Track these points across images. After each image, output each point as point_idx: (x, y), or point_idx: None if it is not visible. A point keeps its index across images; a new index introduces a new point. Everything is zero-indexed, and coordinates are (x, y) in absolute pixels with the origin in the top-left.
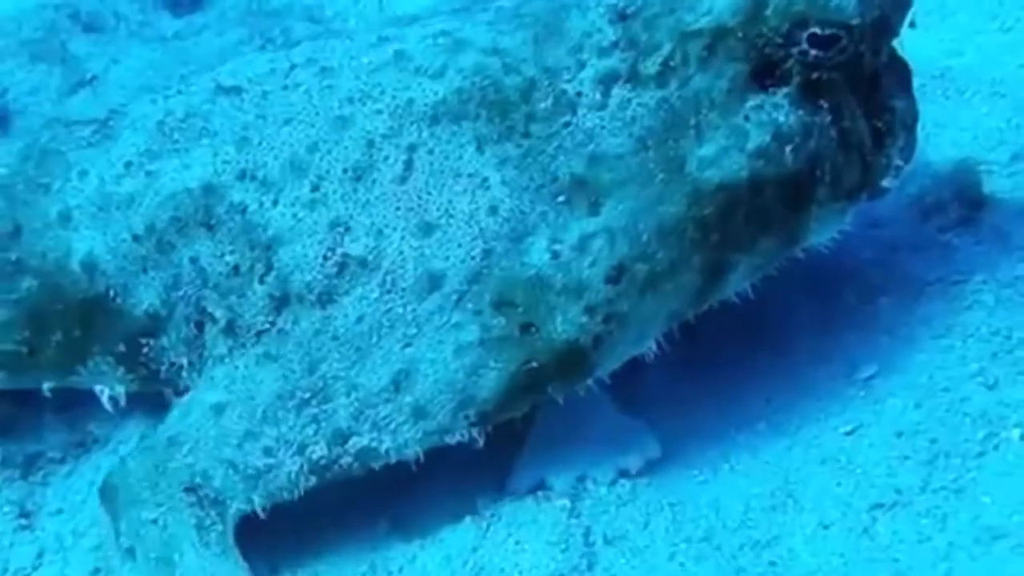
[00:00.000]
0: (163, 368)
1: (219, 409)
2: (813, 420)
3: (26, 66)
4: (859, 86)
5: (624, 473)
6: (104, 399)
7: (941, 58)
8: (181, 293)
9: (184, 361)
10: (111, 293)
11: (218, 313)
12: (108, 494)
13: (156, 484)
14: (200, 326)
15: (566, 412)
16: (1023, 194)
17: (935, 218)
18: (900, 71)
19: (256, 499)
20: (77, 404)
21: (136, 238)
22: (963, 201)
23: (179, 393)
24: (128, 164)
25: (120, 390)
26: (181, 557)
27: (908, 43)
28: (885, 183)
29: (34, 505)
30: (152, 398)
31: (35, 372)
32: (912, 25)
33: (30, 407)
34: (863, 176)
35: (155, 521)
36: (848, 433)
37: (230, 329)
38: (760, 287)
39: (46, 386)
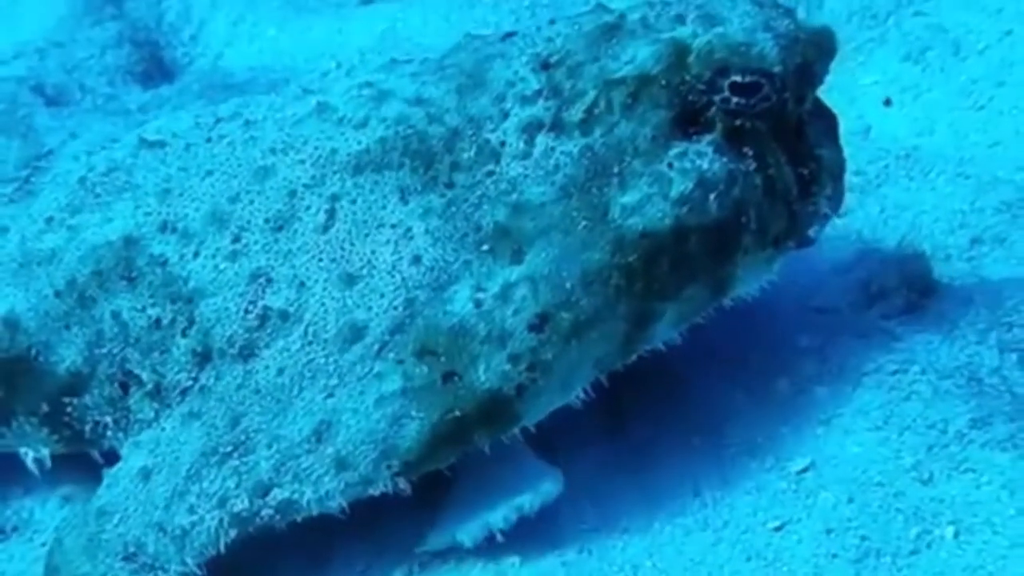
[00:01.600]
0: (87, 428)
1: (146, 474)
2: (742, 514)
3: None
4: (784, 134)
5: (520, 511)
6: (29, 461)
7: (911, 136)
8: (104, 350)
9: (108, 420)
10: (33, 351)
11: (143, 375)
12: (50, 572)
13: (95, 556)
14: (125, 387)
15: (481, 462)
16: (976, 280)
17: (879, 305)
18: (827, 120)
19: (189, 560)
20: None
21: (58, 294)
22: (911, 287)
23: (103, 453)
24: (49, 219)
25: (45, 452)
26: None
27: (880, 121)
28: (811, 232)
29: None
30: (76, 473)
31: None
32: (888, 103)
33: None
34: (790, 224)
35: None
36: (776, 529)
37: (156, 391)
38: (692, 375)
39: None
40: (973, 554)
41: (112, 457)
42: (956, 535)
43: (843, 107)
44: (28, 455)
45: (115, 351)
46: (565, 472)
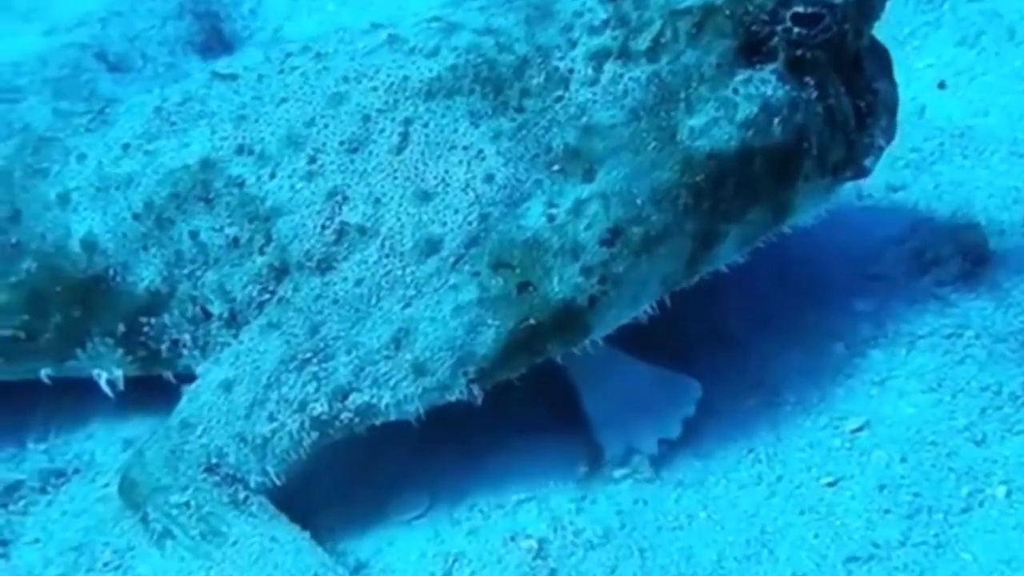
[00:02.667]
0: (163, 347)
1: (227, 385)
2: (795, 470)
3: (48, 103)
4: (843, 66)
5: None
6: (102, 383)
7: (965, 118)
8: (184, 270)
9: (187, 338)
10: (111, 272)
11: (217, 299)
12: (127, 486)
13: (176, 468)
14: (206, 310)
15: (605, 378)
16: None
17: (934, 272)
18: (881, 56)
19: (270, 469)
20: (57, 433)
21: (136, 216)
22: (966, 256)
23: (177, 374)
24: (126, 146)
25: (118, 373)
26: (230, 527)
27: (935, 102)
28: (867, 163)
29: (12, 534)
30: (138, 417)
31: (33, 358)
32: (942, 86)
33: (9, 436)
34: (848, 154)
35: (187, 504)
36: (830, 484)
37: (232, 317)
38: (750, 337)
39: (44, 373)
40: None
41: (186, 380)
42: (1008, 495)
43: (899, 89)
44: (102, 377)
45: (195, 271)
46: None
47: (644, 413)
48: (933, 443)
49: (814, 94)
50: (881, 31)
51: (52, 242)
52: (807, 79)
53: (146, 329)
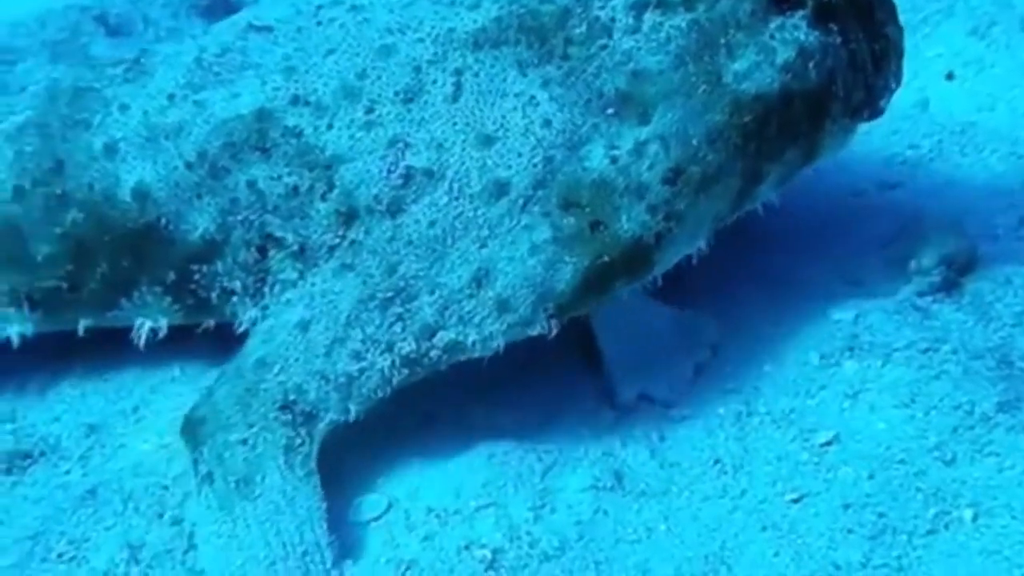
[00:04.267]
0: (213, 295)
1: (303, 325)
2: (761, 484)
3: (45, 66)
4: (859, 13)
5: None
6: (143, 333)
7: (970, 112)
8: (240, 217)
9: (238, 285)
10: (163, 221)
11: (287, 236)
12: (192, 425)
13: (248, 406)
14: (262, 250)
15: (627, 321)
16: (1019, 260)
17: (916, 281)
18: (888, 3)
19: (352, 406)
20: (25, 414)
21: (188, 165)
22: (950, 265)
23: (223, 320)
24: (171, 96)
25: (163, 322)
26: (263, 479)
27: (940, 95)
28: (882, 104)
29: None
30: (102, 404)
31: (74, 309)
32: (950, 77)
33: None
34: (866, 96)
35: (244, 441)
36: (795, 500)
37: (300, 252)
38: (723, 342)
39: (82, 325)
40: (991, 538)
41: (221, 329)
42: (975, 518)
43: (906, 79)
44: (144, 325)
45: (252, 217)
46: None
47: (659, 357)
48: (902, 461)
49: (838, 39)
50: None
51: (100, 192)
52: (831, 25)
53: (197, 277)
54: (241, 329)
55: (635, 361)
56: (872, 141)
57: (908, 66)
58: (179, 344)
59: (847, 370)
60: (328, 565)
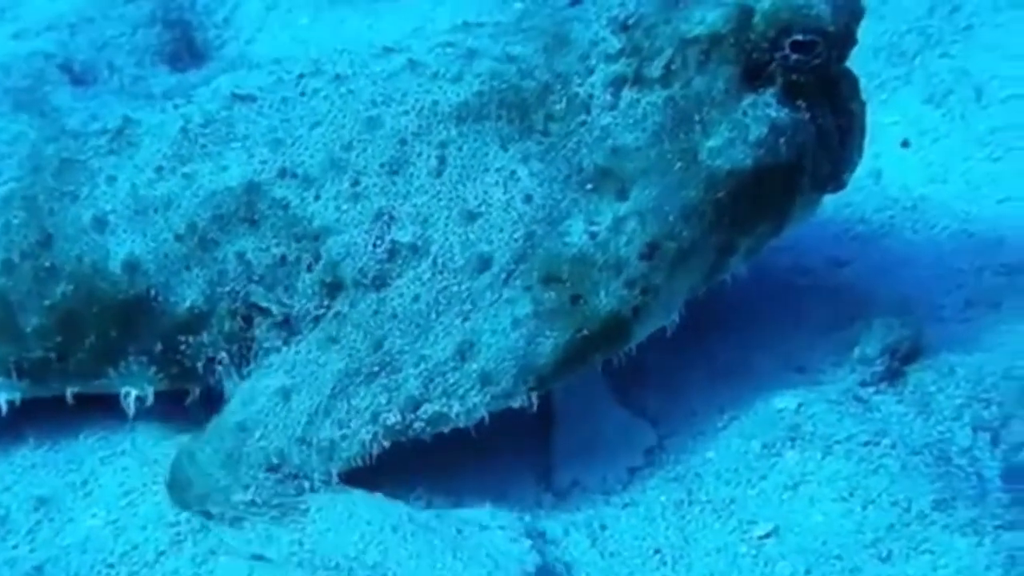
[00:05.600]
0: (199, 364)
1: (285, 393)
2: None
3: (8, 115)
4: (827, 89)
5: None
6: (129, 401)
7: (923, 183)
8: (227, 288)
9: (223, 355)
10: (152, 292)
11: (272, 307)
12: (181, 485)
13: (236, 469)
14: (248, 320)
15: (581, 413)
16: (964, 347)
17: (860, 370)
18: (852, 80)
19: (333, 470)
20: None
21: (178, 237)
22: (894, 355)
23: (205, 388)
24: (159, 168)
25: (149, 390)
26: (307, 503)
27: (896, 164)
28: (846, 177)
29: None
30: (53, 477)
31: (62, 378)
32: (905, 145)
33: None
34: (832, 169)
35: (252, 501)
36: None
37: (285, 321)
38: (667, 431)
39: (70, 392)
40: None
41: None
42: None
43: None
44: (131, 395)
45: (238, 288)
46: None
47: (600, 452)
48: (839, 557)
49: (807, 115)
50: None
51: (90, 264)
52: (799, 102)
53: (183, 347)
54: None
55: (578, 449)
56: (824, 214)
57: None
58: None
59: (788, 460)
60: (440, 519)
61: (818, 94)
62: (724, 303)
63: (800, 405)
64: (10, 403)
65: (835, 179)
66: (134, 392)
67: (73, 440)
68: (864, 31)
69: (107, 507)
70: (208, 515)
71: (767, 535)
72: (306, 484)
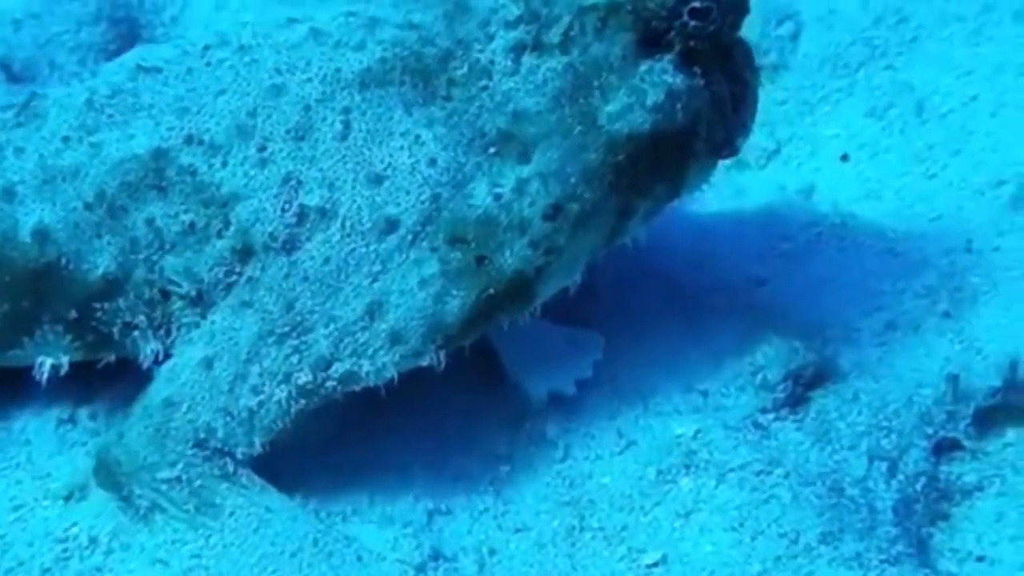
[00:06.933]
0: (115, 330)
1: (207, 363)
2: None
3: None
4: (721, 58)
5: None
6: (44, 370)
7: (857, 199)
8: (140, 256)
9: (142, 319)
10: (63, 260)
11: (184, 284)
12: (106, 467)
13: (163, 446)
14: (165, 294)
15: (524, 341)
16: (874, 372)
17: (761, 395)
18: (746, 50)
19: (256, 440)
20: None
21: (87, 206)
22: (797, 380)
23: (123, 355)
24: (66, 139)
25: (64, 360)
26: (224, 499)
27: (832, 178)
28: (739, 143)
29: None
30: None
31: None
32: (845, 159)
33: None
34: (726, 135)
35: (178, 479)
36: None
37: (198, 297)
38: (567, 451)
39: None
40: None
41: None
42: None
43: (803, 158)
44: (45, 364)
45: (152, 256)
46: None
47: (557, 361)
48: None
49: (702, 82)
50: (794, 93)
51: (0, 234)
52: (695, 68)
53: (99, 314)
54: (146, 365)
55: (537, 368)
56: (750, 231)
57: (806, 145)
58: (27, 430)
59: (682, 487)
60: (348, 540)
61: (712, 62)
62: (634, 322)
63: (698, 431)
64: None
65: (729, 145)
66: (49, 361)
67: None
68: (809, 40)
69: None
70: (129, 501)
71: (655, 564)
72: (231, 462)
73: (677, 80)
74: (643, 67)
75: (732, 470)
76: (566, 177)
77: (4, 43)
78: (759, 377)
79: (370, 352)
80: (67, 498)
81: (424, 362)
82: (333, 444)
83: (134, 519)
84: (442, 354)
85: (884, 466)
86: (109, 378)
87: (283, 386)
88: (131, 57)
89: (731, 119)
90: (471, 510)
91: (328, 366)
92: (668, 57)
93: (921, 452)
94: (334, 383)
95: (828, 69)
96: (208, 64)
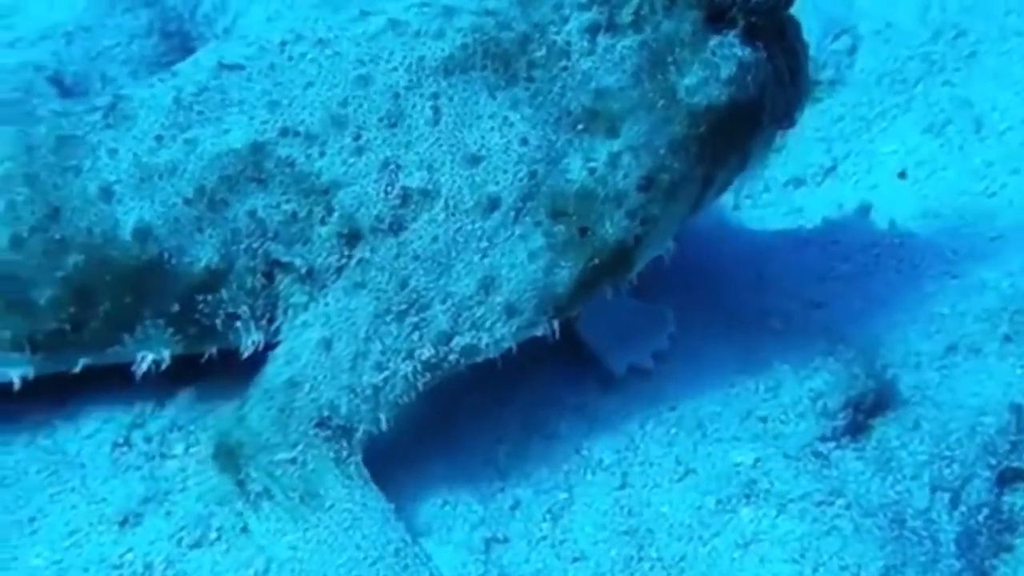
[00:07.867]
0: (218, 322)
1: (326, 343)
2: None
3: None
4: (777, 33)
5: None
6: (143, 366)
7: (913, 219)
8: (243, 246)
9: (244, 309)
10: (165, 256)
11: (295, 260)
12: (227, 450)
13: (286, 426)
14: (269, 276)
15: (599, 317)
16: (935, 397)
17: (823, 423)
18: (795, 24)
19: (381, 416)
20: None
21: (187, 201)
22: (858, 407)
23: (225, 347)
24: (159, 137)
25: (166, 354)
26: (327, 491)
27: (890, 195)
28: (796, 114)
29: None
30: None
31: (75, 349)
32: (903, 176)
33: None
34: (785, 107)
35: (293, 460)
36: None
37: (308, 275)
38: (625, 478)
39: (81, 363)
40: None
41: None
42: None
43: (860, 175)
44: (147, 358)
45: (255, 245)
46: None
47: (634, 335)
48: None
49: (764, 55)
50: (851, 109)
51: (100, 234)
52: (758, 43)
53: (201, 306)
54: (246, 354)
55: (615, 343)
56: (809, 252)
57: (864, 161)
58: (81, 454)
59: (742, 517)
60: (425, 559)
61: (770, 37)
62: (693, 347)
63: (757, 460)
64: (23, 379)
65: (788, 116)
66: (150, 356)
67: (23, 475)
68: (866, 55)
69: (51, 547)
70: (243, 486)
71: None
72: (346, 446)
73: (745, 53)
74: (712, 42)
75: (793, 500)
76: (655, 149)
77: (56, 57)
78: (819, 404)
79: (488, 325)
80: (122, 523)
81: (538, 332)
82: (384, 472)
83: (244, 505)
84: (555, 324)
85: (947, 497)
86: (162, 401)
87: (407, 362)
88: (205, 56)
89: (789, 90)
90: (528, 538)
91: (449, 340)
92: (733, 32)
93: (984, 483)
94: (456, 356)
95: (886, 84)
96: (290, 59)
